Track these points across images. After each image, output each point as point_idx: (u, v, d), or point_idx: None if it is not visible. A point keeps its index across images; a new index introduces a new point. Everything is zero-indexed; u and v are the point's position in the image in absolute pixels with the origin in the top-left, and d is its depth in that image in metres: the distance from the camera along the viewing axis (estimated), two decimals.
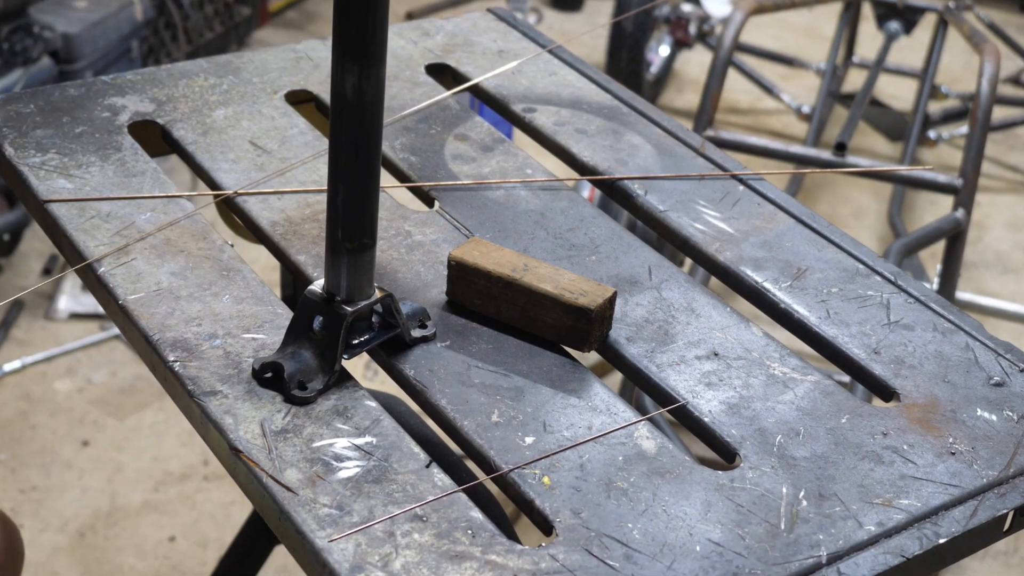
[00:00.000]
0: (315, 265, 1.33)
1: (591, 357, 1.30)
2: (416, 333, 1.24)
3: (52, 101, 1.55)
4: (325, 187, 1.19)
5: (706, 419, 1.19)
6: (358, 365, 2.64)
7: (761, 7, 2.87)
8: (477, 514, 1.06)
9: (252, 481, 1.09)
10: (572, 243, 1.42)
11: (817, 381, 1.24)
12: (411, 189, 1.50)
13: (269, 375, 1.17)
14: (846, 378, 1.51)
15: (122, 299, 1.26)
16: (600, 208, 1.52)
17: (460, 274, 1.27)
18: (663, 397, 1.23)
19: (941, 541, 1.08)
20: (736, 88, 4.08)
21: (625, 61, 3.79)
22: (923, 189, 2.88)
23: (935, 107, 3.87)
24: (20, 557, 1.42)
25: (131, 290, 1.27)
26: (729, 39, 2.69)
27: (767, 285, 1.37)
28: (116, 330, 2.97)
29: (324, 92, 1.63)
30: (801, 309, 1.34)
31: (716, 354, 1.27)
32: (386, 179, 1.52)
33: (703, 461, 1.15)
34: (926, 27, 3.59)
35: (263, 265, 2.61)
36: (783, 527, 1.07)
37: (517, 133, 1.70)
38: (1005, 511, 1.12)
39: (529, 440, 1.14)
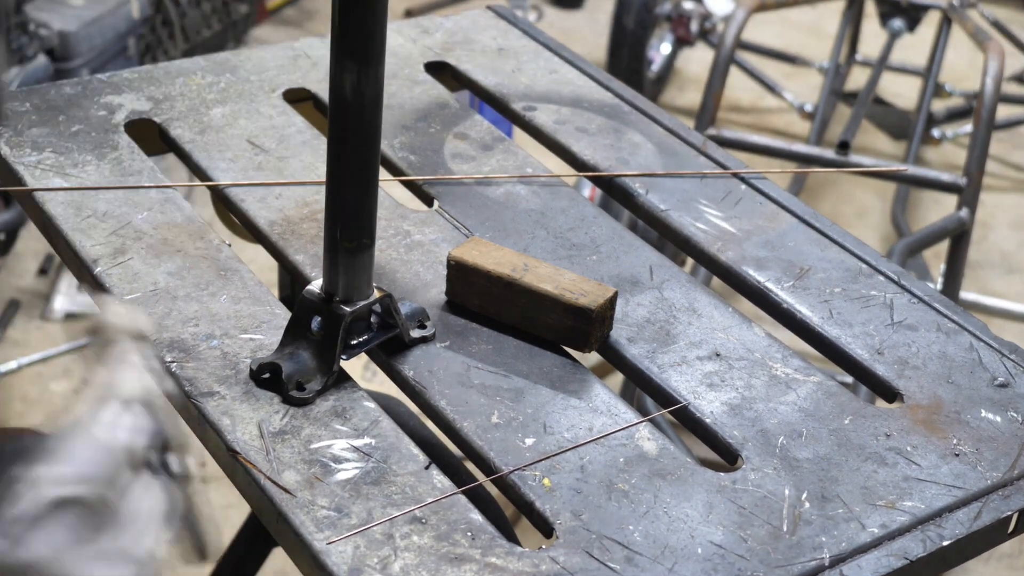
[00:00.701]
0: (313, 265, 1.32)
1: (592, 358, 1.29)
2: (415, 333, 1.23)
3: (48, 99, 1.54)
4: (322, 180, 1.18)
5: (708, 420, 1.18)
6: (357, 366, 2.63)
7: (763, 4, 2.85)
8: (477, 516, 1.06)
9: (250, 483, 1.08)
10: (573, 243, 1.41)
11: (820, 382, 1.24)
12: (410, 188, 1.50)
13: (267, 376, 1.16)
14: (849, 379, 1.50)
15: (119, 299, 1.25)
16: (601, 207, 1.51)
17: (460, 274, 1.27)
18: (664, 398, 1.22)
19: (945, 543, 1.07)
20: (738, 86, 4.07)
21: (626, 59, 3.78)
22: (927, 188, 2.87)
23: (939, 105, 3.86)
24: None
25: (128, 290, 1.26)
26: (731, 37, 2.68)
27: (769, 285, 1.37)
28: None
29: (322, 90, 1.62)
30: (804, 309, 1.34)
31: (718, 355, 1.26)
32: (385, 177, 1.52)
33: (705, 463, 1.14)
34: (930, 24, 3.58)
35: (261, 265, 2.59)
36: (785, 529, 1.07)
37: (517, 132, 1.69)
38: (1010, 513, 1.11)
39: (529, 441, 1.13)
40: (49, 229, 1.36)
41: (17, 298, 3.07)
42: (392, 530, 1.03)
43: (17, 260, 3.24)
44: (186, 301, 1.25)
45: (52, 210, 1.36)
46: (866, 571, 1.04)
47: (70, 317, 3.08)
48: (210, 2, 3.88)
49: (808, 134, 3.43)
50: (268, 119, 1.56)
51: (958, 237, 2.60)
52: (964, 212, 2.56)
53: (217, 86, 1.61)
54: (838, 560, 1.04)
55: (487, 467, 1.12)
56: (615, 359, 1.26)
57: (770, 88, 3.84)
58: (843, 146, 2.59)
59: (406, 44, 1.77)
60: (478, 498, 1.12)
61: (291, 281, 1.81)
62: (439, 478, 1.09)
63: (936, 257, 3.19)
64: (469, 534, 1.04)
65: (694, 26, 3.87)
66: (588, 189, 2.44)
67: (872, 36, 3.89)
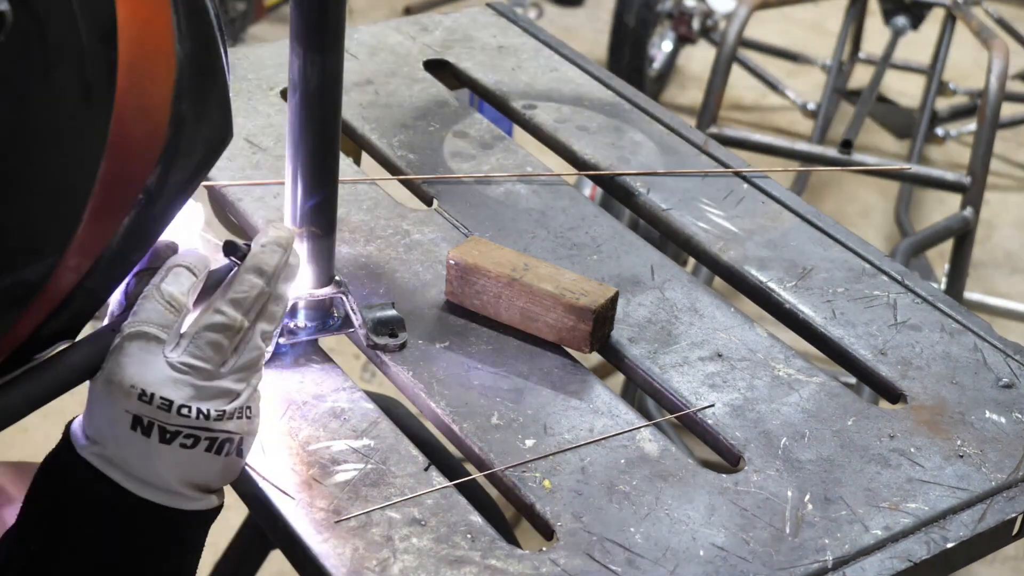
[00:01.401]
0: None
1: (592, 358, 1.28)
2: (380, 340, 1.21)
3: None
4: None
5: (709, 421, 1.18)
6: (355, 366, 2.63)
7: (766, 2, 2.84)
8: (476, 518, 1.05)
9: (248, 484, 1.07)
10: (573, 242, 1.40)
11: (823, 382, 1.23)
12: (409, 187, 1.49)
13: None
14: (852, 379, 1.49)
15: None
16: (602, 207, 1.50)
17: (459, 274, 1.26)
18: (666, 399, 1.21)
19: (949, 545, 1.07)
20: (740, 84, 4.06)
21: (627, 57, 3.77)
22: (931, 187, 2.86)
23: (943, 104, 3.85)
24: None
25: None
26: (733, 34, 2.66)
27: (772, 285, 1.36)
28: None
29: None
30: (806, 309, 1.33)
31: (720, 355, 1.25)
32: (383, 176, 1.51)
33: (707, 464, 1.14)
34: (934, 22, 3.57)
35: None
36: (788, 531, 1.06)
37: (517, 130, 1.69)
38: (1014, 515, 1.11)
39: (529, 443, 1.12)
40: None
41: None
42: (391, 532, 1.02)
43: None
44: None
45: None
46: (869, 573, 1.03)
47: None
48: None
49: (811, 133, 3.42)
50: (266, 117, 1.55)
51: (962, 237, 2.59)
52: (968, 211, 2.55)
53: None
54: (841, 562, 1.04)
55: (487, 468, 1.11)
56: (616, 359, 1.26)
57: (772, 86, 3.83)
58: (846, 145, 2.58)
59: (405, 42, 1.76)
60: (478, 499, 1.11)
61: None
62: (439, 479, 1.08)
63: (940, 257, 3.18)
64: (469, 536, 1.03)
65: (696, 24, 3.87)
66: (589, 188, 2.43)
67: (875, 34, 3.88)
